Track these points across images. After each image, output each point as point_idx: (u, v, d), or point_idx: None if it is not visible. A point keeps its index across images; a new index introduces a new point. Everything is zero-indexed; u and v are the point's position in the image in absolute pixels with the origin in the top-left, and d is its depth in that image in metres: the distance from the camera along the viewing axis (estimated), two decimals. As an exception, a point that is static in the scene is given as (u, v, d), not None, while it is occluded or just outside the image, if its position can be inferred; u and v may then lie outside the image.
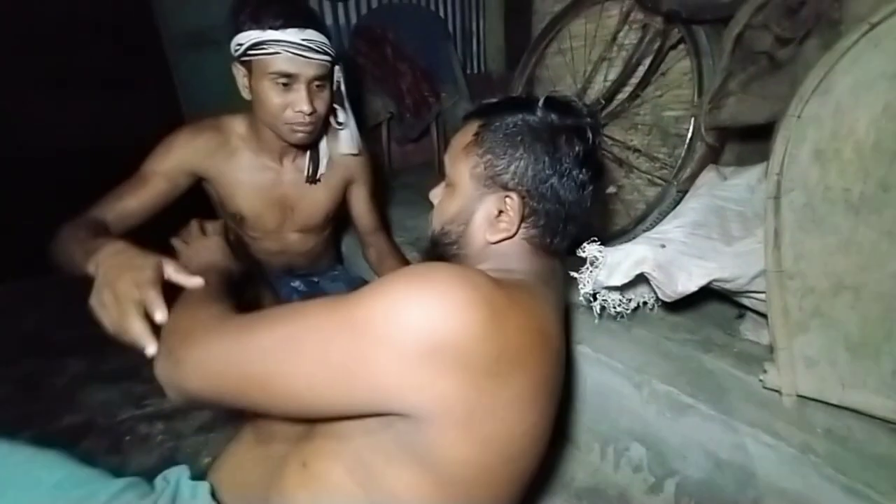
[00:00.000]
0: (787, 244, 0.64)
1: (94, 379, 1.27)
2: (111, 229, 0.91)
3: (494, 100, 0.62)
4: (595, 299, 0.77)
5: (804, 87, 0.61)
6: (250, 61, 0.88)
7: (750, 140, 1.05)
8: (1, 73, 3.97)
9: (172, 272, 0.61)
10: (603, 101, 1.25)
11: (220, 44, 1.11)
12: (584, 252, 0.72)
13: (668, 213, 1.10)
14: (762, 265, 0.67)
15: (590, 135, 0.57)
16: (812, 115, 0.61)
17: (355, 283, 1.30)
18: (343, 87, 1.01)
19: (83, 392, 1.22)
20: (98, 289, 0.59)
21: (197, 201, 1.09)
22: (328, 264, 1.34)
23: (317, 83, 0.91)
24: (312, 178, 1.09)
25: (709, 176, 0.93)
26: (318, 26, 0.89)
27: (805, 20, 0.71)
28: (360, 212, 1.23)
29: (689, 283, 0.68)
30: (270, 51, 0.85)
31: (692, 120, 1.02)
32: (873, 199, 0.59)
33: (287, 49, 0.85)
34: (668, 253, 0.69)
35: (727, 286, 0.70)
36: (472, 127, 0.59)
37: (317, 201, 1.13)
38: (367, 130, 2.50)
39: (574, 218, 0.58)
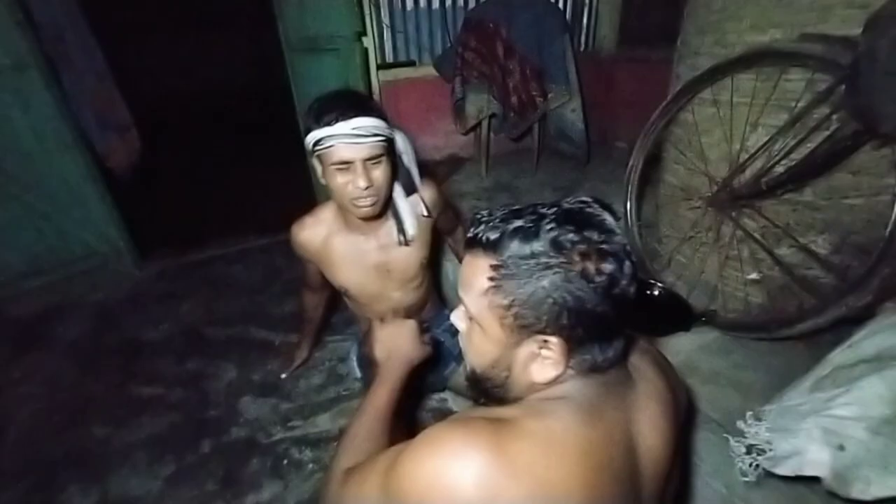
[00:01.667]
0: None
1: (246, 390, 1.50)
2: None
3: (497, 218, 0.54)
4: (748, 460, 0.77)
5: None
6: (320, 155, 0.99)
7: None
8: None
9: None
10: (763, 179, 1.12)
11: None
12: (748, 430, 0.71)
13: (823, 327, 1.03)
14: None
15: (621, 251, 0.51)
16: None
17: None
18: (407, 157, 1.09)
19: (240, 403, 1.45)
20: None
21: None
22: (434, 309, 1.39)
23: (372, 161, 0.99)
24: (405, 242, 1.15)
25: (891, 322, 0.84)
26: (368, 112, 0.97)
27: None
28: (444, 231, 1.36)
29: (864, 494, 0.65)
30: (328, 144, 0.96)
31: (884, 243, 0.91)
32: None
33: (339, 140, 0.95)
34: (846, 458, 0.66)
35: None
36: (484, 265, 0.53)
37: (409, 256, 1.19)
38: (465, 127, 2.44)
39: (622, 324, 0.53)
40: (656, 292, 1.34)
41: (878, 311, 0.90)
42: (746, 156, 1.17)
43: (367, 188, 0.99)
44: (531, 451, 0.47)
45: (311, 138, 0.98)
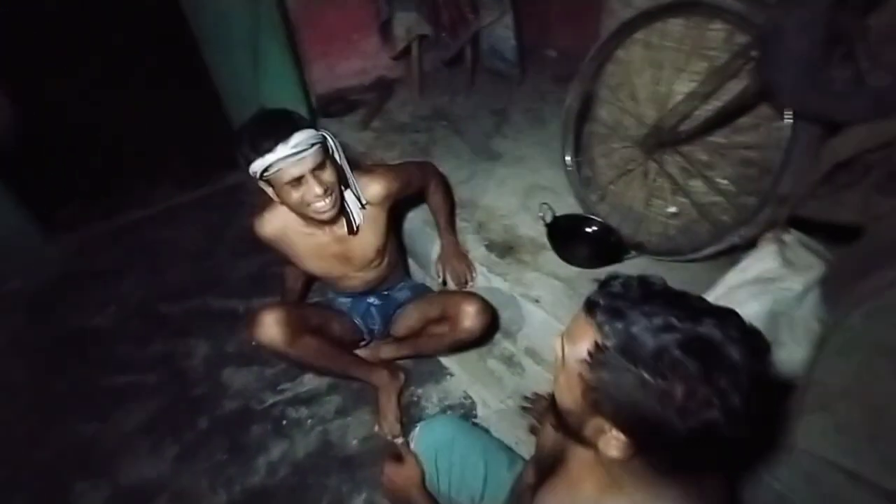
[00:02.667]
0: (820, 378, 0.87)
1: (225, 362, 1.55)
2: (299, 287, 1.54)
3: (626, 298, 0.49)
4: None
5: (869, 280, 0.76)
6: (269, 179, 1.05)
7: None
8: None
9: None
10: (683, 127, 1.26)
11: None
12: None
13: (723, 251, 1.27)
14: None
15: (737, 399, 0.44)
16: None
17: (418, 289, 1.53)
18: (338, 151, 1.14)
19: (223, 376, 1.51)
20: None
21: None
22: (396, 278, 1.51)
23: (318, 168, 1.06)
24: (354, 232, 1.25)
25: (770, 250, 1.07)
26: (298, 126, 1.03)
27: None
28: (420, 194, 1.44)
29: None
30: (275, 169, 1.02)
31: (770, 185, 1.11)
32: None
33: (285, 162, 1.01)
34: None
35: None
36: (589, 335, 0.50)
37: (366, 243, 1.29)
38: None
39: (704, 459, 0.51)
40: (594, 227, 1.53)
41: (759, 242, 1.13)
42: (672, 101, 1.28)
43: (323, 193, 1.07)
44: None
45: (256, 168, 1.02)
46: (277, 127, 1.01)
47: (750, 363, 0.45)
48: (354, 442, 1.32)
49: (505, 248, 1.56)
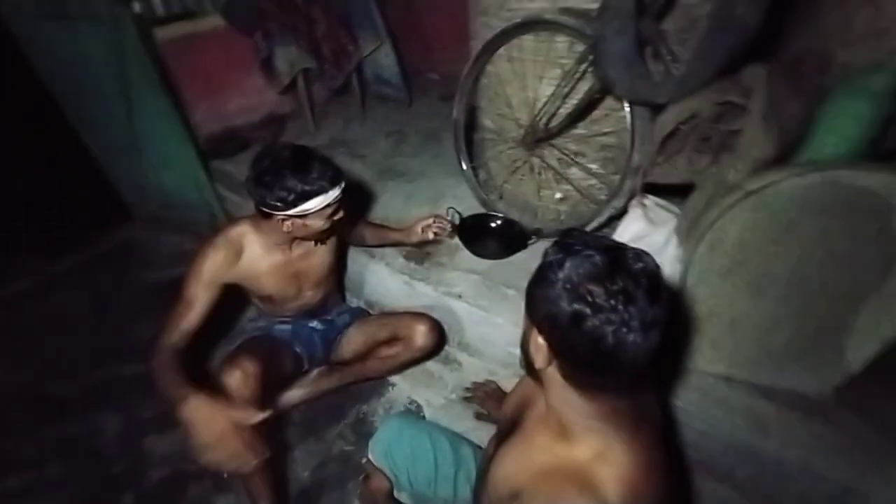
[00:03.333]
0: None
1: (144, 430, 1.41)
2: (182, 345, 1.10)
3: (575, 233, 0.60)
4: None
5: (703, 221, 0.98)
6: (306, 213, 1.10)
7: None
8: None
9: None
10: (551, 123, 1.47)
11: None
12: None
13: (604, 222, 1.49)
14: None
15: (630, 314, 0.51)
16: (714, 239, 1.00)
17: (356, 313, 1.56)
18: None
19: (145, 446, 1.37)
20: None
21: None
22: (334, 302, 1.53)
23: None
24: (324, 242, 1.29)
25: (637, 213, 1.30)
26: (332, 162, 1.13)
27: (713, 148, 1.03)
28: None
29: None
30: (323, 207, 1.11)
31: (626, 162, 1.34)
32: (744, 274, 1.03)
33: (335, 200, 1.13)
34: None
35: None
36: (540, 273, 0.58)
37: (322, 259, 1.34)
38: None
39: (610, 367, 0.55)
40: (498, 222, 1.69)
41: (628, 209, 1.36)
42: (539, 104, 1.49)
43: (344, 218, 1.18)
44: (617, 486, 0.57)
45: (311, 206, 1.08)
46: (319, 165, 1.09)
47: (648, 283, 0.52)
48: (306, 474, 1.29)
49: (423, 255, 1.65)
